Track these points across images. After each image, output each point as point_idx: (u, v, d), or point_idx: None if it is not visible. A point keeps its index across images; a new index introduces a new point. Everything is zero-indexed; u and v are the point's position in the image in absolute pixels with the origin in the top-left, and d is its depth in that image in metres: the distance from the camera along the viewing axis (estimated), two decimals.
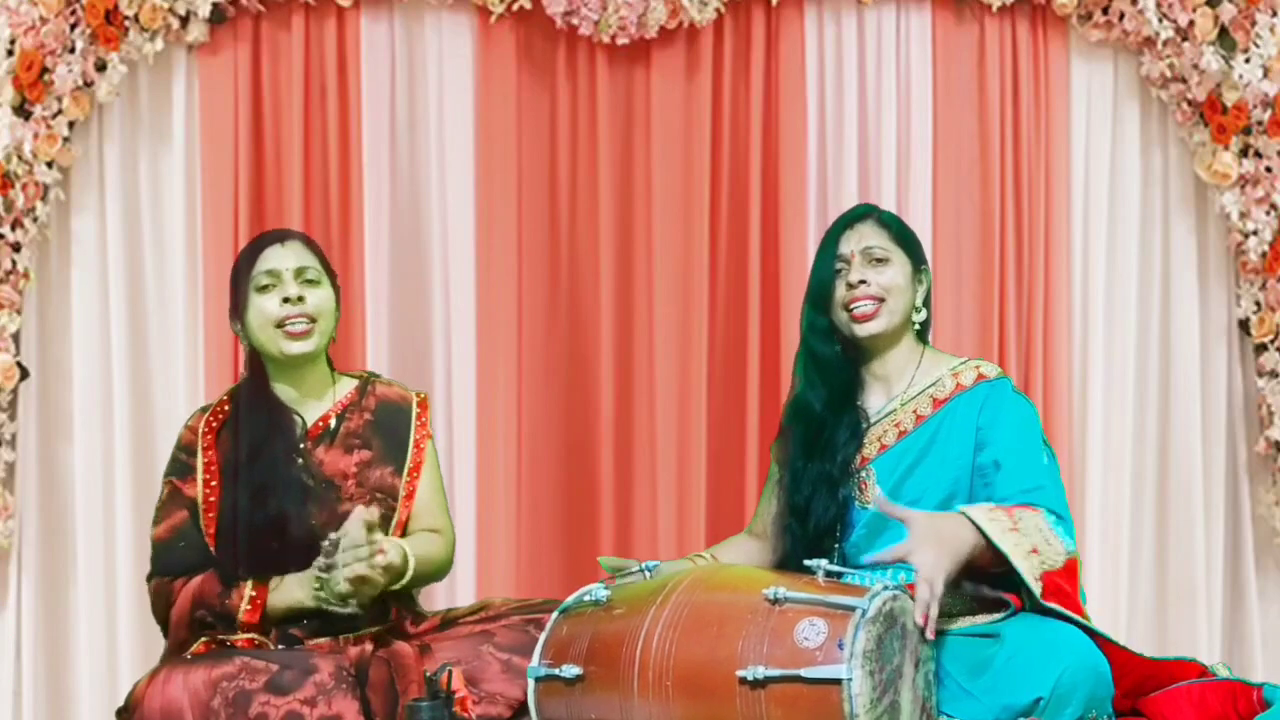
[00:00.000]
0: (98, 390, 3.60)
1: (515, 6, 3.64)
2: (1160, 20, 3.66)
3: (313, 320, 2.66)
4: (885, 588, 2.18)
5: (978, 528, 2.31)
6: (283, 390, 2.70)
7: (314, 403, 2.72)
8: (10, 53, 3.40)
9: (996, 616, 2.41)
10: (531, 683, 2.34)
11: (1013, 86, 3.80)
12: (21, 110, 3.42)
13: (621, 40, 3.64)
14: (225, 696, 2.36)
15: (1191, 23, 3.65)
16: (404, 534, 2.67)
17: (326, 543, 2.46)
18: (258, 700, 2.37)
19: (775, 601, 2.15)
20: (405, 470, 2.71)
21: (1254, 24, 3.65)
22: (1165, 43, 3.69)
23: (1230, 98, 3.68)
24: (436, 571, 2.69)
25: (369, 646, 2.51)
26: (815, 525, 2.58)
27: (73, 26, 3.43)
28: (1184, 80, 3.73)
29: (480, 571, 3.65)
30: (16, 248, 3.46)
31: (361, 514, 2.45)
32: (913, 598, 2.20)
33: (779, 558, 2.66)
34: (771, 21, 3.75)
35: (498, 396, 3.68)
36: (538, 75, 3.73)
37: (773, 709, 2.08)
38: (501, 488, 3.67)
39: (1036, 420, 2.62)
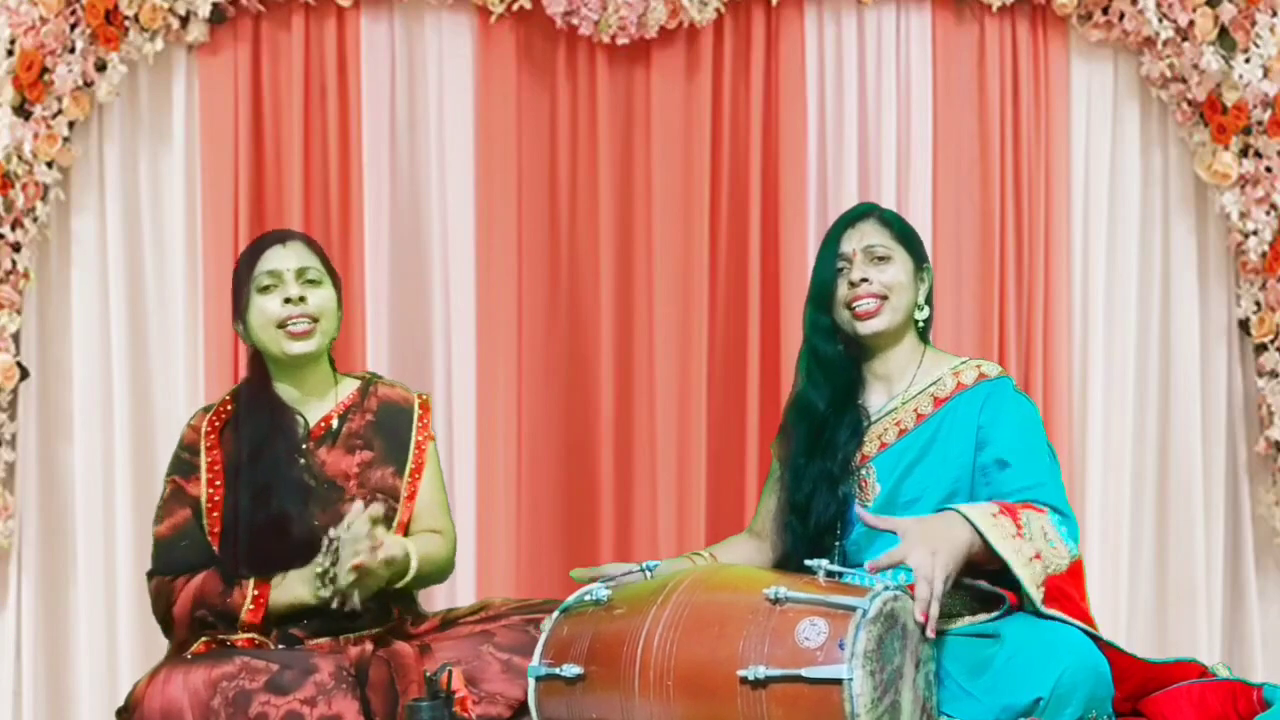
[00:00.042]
0: (98, 390, 3.60)
1: (515, 6, 3.64)
2: (1160, 20, 3.66)
3: (314, 320, 2.66)
4: (886, 588, 2.17)
5: (978, 531, 2.31)
6: (285, 390, 2.70)
7: (316, 403, 2.72)
8: (10, 53, 3.40)
9: (994, 614, 2.41)
10: (532, 682, 2.34)
11: (1013, 86, 3.81)
12: (21, 110, 3.42)
13: (621, 40, 3.64)
14: (225, 696, 2.36)
15: (1191, 23, 3.65)
16: (405, 535, 2.66)
17: (328, 537, 2.45)
18: (258, 700, 2.37)
19: (776, 601, 2.15)
20: (407, 471, 2.71)
21: (1254, 24, 3.65)
22: (1165, 43, 3.69)
23: (1230, 98, 3.68)
24: (438, 571, 2.69)
25: (369, 646, 2.51)
26: (816, 523, 2.59)
27: (73, 26, 3.43)
28: (1184, 80, 3.73)
29: (480, 571, 3.65)
30: (16, 248, 3.46)
31: (361, 508, 2.46)
32: (913, 597, 2.19)
33: (779, 555, 2.67)
34: (771, 21, 3.75)
35: (498, 396, 3.68)
36: (538, 75, 3.73)
37: (773, 709, 2.08)
38: (501, 488, 3.67)
39: (1038, 419, 2.62)
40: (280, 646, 2.54)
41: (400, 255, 3.71)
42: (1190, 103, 3.75)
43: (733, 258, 3.77)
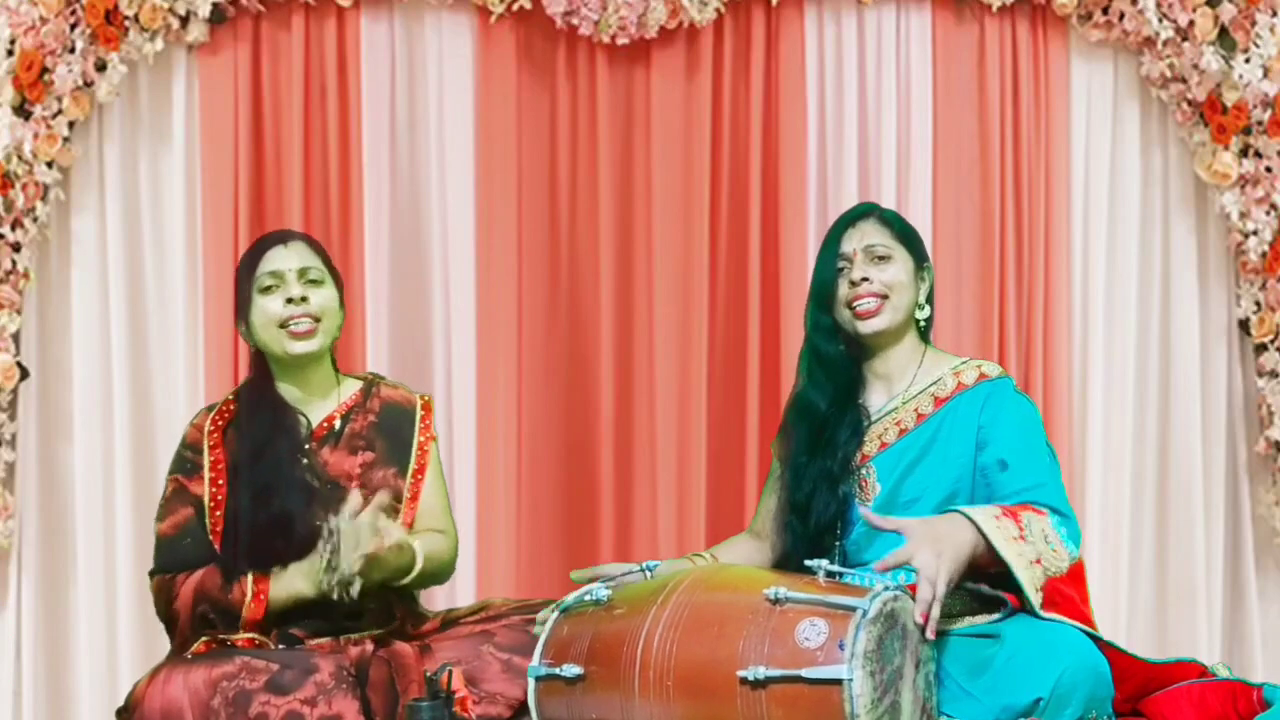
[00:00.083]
0: (98, 390, 3.60)
1: (515, 6, 3.64)
2: (1160, 20, 3.66)
3: (316, 320, 2.66)
4: (886, 588, 2.17)
5: (981, 532, 2.31)
6: (287, 390, 2.70)
7: (319, 403, 2.72)
8: (10, 53, 3.40)
9: (995, 616, 2.41)
10: (532, 682, 2.34)
11: (1013, 86, 3.81)
12: (21, 110, 3.42)
13: (621, 40, 3.64)
14: (225, 696, 2.36)
15: (1191, 23, 3.65)
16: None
17: (327, 527, 2.43)
18: (258, 700, 2.37)
19: (776, 601, 2.15)
20: (409, 472, 2.71)
21: (1254, 24, 3.65)
22: (1165, 43, 3.69)
23: (1230, 98, 3.68)
24: (442, 570, 2.68)
25: (369, 646, 2.51)
26: (816, 522, 2.59)
27: (73, 26, 3.43)
28: (1184, 80, 3.73)
29: (480, 571, 3.65)
30: (16, 248, 3.46)
31: (359, 497, 2.44)
32: (914, 598, 2.19)
33: (779, 555, 2.67)
34: (771, 21, 3.75)
35: (498, 396, 3.68)
36: (538, 75, 3.74)
37: (773, 709, 2.08)
38: (501, 488, 3.67)
39: (1038, 419, 2.62)
40: (280, 646, 2.53)
41: (400, 255, 3.71)
42: (1190, 103, 3.76)
43: (733, 258, 3.77)
